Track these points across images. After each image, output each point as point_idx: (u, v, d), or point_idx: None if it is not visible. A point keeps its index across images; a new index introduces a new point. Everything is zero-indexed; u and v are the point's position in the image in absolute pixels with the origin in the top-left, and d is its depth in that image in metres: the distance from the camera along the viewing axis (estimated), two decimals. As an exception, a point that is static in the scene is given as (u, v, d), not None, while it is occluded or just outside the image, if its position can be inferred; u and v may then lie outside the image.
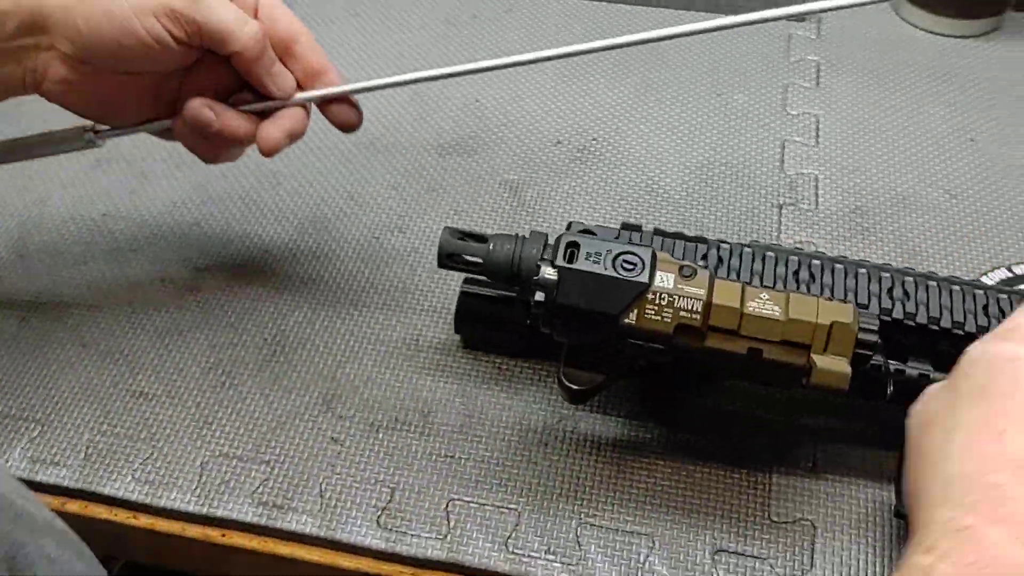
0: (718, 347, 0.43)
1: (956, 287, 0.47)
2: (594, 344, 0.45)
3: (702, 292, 0.43)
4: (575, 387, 0.46)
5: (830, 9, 0.47)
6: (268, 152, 0.48)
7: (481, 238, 0.50)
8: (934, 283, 0.47)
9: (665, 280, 0.43)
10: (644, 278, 0.43)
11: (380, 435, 0.51)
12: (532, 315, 0.45)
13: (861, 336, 0.42)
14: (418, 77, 0.50)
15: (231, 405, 0.52)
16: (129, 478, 0.50)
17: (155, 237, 0.61)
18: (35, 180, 0.65)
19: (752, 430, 0.52)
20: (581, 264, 0.43)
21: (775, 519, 0.48)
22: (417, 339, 0.55)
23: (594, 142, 0.68)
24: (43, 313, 0.57)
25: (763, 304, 0.43)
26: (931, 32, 0.77)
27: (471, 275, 0.51)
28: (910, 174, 0.65)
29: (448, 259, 0.50)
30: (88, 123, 0.51)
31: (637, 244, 0.45)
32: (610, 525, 0.48)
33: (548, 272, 0.43)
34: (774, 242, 0.60)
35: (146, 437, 0.51)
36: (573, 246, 0.44)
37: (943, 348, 0.46)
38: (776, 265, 0.47)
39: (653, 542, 0.47)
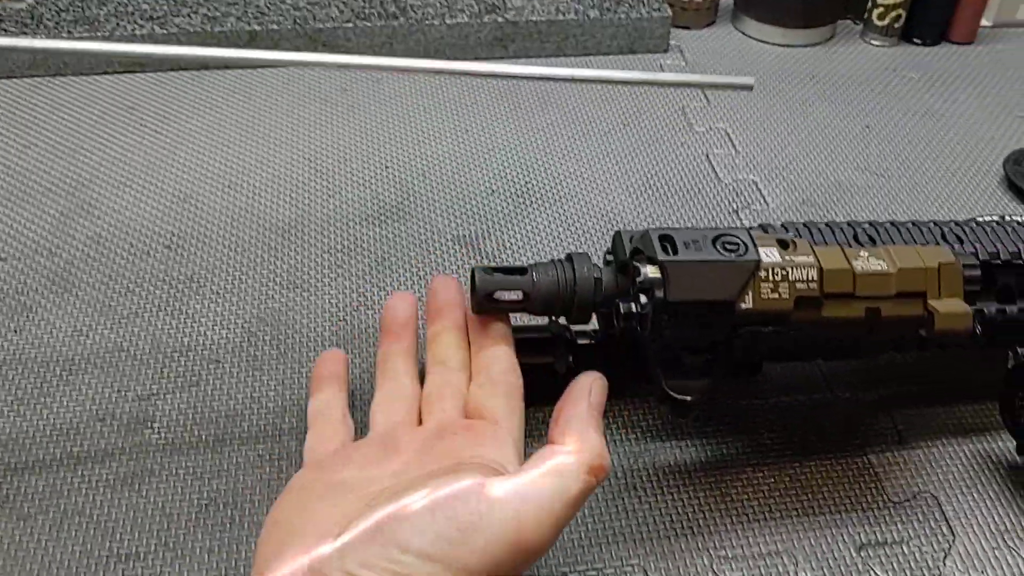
0: (836, 316, 0.40)
1: (994, 223, 0.47)
2: (697, 344, 0.40)
3: (812, 259, 0.39)
4: (688, 398, 0.40)
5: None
6: None
7: (521, 270, 0.43)
8: (975, 224, 0.47)
9: (771, 255, 0.39)
10: (753, 256, 0.39)
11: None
12: (626, 325, 0.39)
13: (967, 273, 0.41)
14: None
15: None
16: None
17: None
18: None
19: (822, 416, 0.48)
20: (684, 255, 0.38)
21: (895, 500, 0.44)
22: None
23: (527, 186, 0.64)
24: None
25: (868, 261, 0.40)
26: (777, 44, 0.82)
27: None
28: (834, 164, 0.67)
29: (487, 300, 0.43)
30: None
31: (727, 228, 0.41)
32: (743, 553, 0.42)
33: (650, 271, 0.38)
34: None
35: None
36: (666, 239, 0.39)
37: (1005, 281, 0.46)
38: (834, 233, 0.45)
39: (795, 558, 0.42)
